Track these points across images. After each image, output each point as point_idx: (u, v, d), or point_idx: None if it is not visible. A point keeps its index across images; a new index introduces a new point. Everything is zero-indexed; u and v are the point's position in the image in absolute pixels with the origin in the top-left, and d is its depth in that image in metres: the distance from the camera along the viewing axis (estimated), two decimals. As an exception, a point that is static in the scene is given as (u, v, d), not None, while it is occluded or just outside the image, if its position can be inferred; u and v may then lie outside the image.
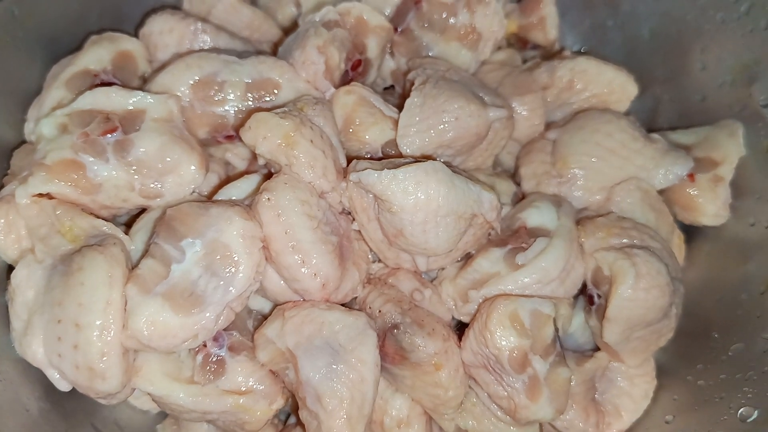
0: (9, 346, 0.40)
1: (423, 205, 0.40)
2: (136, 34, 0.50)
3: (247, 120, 0.43)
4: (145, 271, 0.39)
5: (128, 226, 0.45)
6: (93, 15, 0.51)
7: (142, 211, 0.45)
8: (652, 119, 0.55)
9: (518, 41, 0.57)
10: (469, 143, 0.47)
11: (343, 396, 0.39)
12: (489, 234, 0.46)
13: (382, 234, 0.44)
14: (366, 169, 0.41)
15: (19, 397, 0.38)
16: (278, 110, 0.43)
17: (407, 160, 0.43)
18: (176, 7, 0.55)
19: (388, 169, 0.41)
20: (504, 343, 0.40)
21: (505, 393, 0.42)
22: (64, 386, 0.40)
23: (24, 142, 0.46)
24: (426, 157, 0.45)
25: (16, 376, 0.39)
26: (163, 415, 0.48)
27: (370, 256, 0.46)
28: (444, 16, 0.51)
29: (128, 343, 0.38)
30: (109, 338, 0.37)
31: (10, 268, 0.42)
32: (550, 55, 0.56)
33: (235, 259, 0.39)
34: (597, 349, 0.47)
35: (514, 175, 0.53)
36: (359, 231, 0.45)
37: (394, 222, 0.42)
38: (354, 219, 0.45)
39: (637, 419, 0.46)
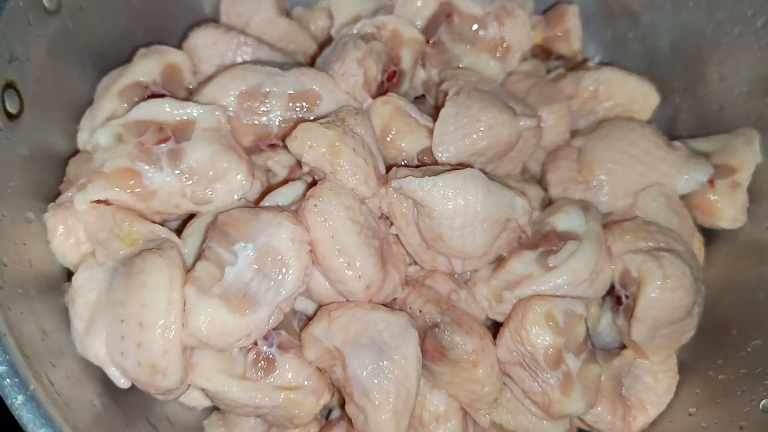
0: (71, 345, 0.42)
1: (462, 211, 0.43)
2: (179, 48, 0.52)
3: (292, 130, 0.45)
4: (202, 273, 0.41)
5: (177, 231, 0.47)
6: (138, 30, 0.53)
7: (190, 216, 0.47)
8: (671, 128, 0.58)
9: (542, 52, 0.60)
10: (500, 151, 0.49)
11: (389, 391, 0.41)
12: (520, 237, 0.48)
13: (420, 238, 0.46)
14: (407, 176, 0.44)
15: (85, 393, 0.40)
16: (322, 120, 0.45)
17: (444, 168, 0.45)
18: (214, 20, 0.57)
19: (428, 176, 0.43)
20: (540, 340, 0.43)
21: (540, 388, 0.44)
22: (123, 383, 0.42)
23: (77, 151, 0.49)
24: (462, 165, 0.47)
25: (80, 373, 0.41)
26: (208, 411, 0.50)
27: (407, 259, 0.49)
28: (474, 28, 0.53)
29: (188, 341, 0.40)
30: (171, 336, 0.39)
31: (69, 273, 0.44)
32: (574, 65, 0.58)
33: (286, 261, 0.42)
34: (623, 347, 0.50)
35: (540, 181, 0.55)
36: (396, 235, 0.48)
37: (433, 227, 0.44)
38: (392, 224, 0.47)
39: (661, 412, 0.48)
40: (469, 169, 0.43)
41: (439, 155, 0.47)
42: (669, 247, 0.47)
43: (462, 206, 0.42)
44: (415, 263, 0.50)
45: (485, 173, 0.45)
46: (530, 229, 0.47)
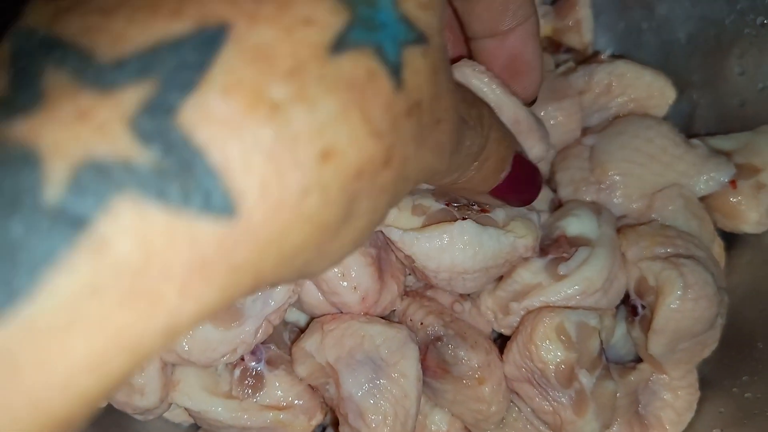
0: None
1: (447, 267, 0.39)
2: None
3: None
4: (183, 283, 0.38)
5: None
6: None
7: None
8: (689, 125, 0.54)
9: (551, 44, 0.56)
10: None
11: (387, 412, 0.38)
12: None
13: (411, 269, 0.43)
14: (389, 226, 0.40)
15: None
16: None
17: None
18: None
19: (412, 231, 0.39)
20: (551, 356, 0.39)
21: (551, 408, 0.41)
22: (99, 402, 0.39)
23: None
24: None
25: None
26: (194, 429, 0.47)
27: (406, 269, 0.46)
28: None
29: (167, 357, 0.37)
30: (148, 354, 0.36)
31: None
32: (585, 58, 0.55)
33: (274, 270, 0.39)
34: (638, 360, 0.46)
35: (549, 182, 0.52)
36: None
37: (421, 270, 0.41)
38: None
39: (682, 432, 0.45)
40: (458, 222, 0.39)
41: None
42: (689, 253, 0.44)
43: (447, 264, 0.39)
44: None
45: (482, 214, 0.41)
46: (537, 253, 0.43)
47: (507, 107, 0.39)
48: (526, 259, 0.44)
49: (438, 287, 0.42)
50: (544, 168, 0.52)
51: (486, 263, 0.39)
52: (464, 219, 0.39)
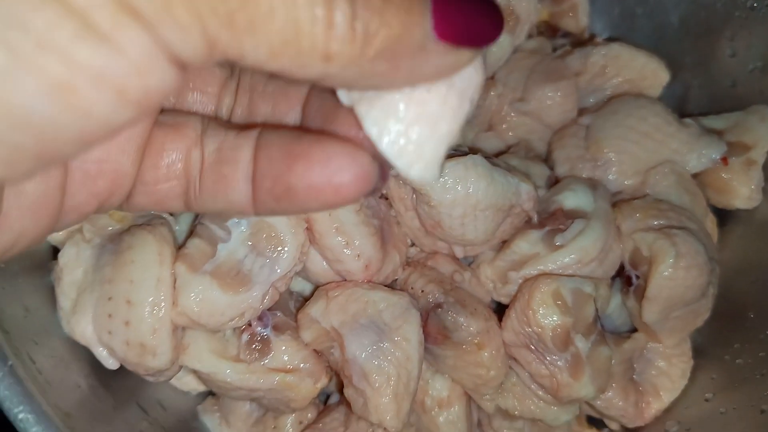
0: (57, 325, 0.40)
1: (462, 201, 0.41)
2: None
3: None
4: (193, 250, 0.39)
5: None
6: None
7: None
8: (682, 105, 0.56)
9: (548, 29, 0.58)
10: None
11: (390, 373, 0.39)
12: (526, 222, 0.46)
13: (419, 223, 0.44)
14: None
15: (70, 374, 0.38)
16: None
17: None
18: None
19: None
20: (547, 321, 0.41)
21: (548, 372, 0.42)
22: (112, 364, 0.40)
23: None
24: (472, 150, 0.44)
25: (66, 353, 0.39)
26: (203, 397, 0.49)
27: (408, 240, 0.47)
28: None
29: (178, 319, 0.38)
30: (160, 315, 0.38)
31: (55, 251, 0.43)
32: (580, 42, 0.56)
33: (281, 238, 0.40)
34: (633, 330, 0.48)
35: (546, 160, 0.53)
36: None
37: (431, 214, 0.42)
38: (392, 206, 0.45)
39: (675, 398, 0.46)
40: (470, 156, 0.41)
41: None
42: (682, 225, 0.45)
43: (462, 196, 0.40)
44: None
45: (489, 158, 0.43)
46: (536, 214, 0.45)
47: None
48: (524, 230, 0.45)
49: (447, 237, 0.43)
50: (541, 147, 0.54)
51: (496, 200, 0.41)
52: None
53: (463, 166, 0.40)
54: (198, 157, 0.25)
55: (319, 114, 0.25)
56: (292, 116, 0.27)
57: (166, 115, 0.26)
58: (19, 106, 0.15)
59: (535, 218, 0.44)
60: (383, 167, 0.22)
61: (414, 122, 0.21)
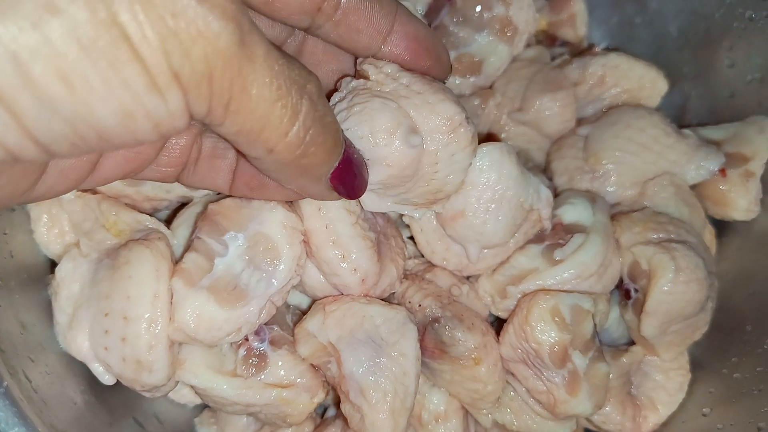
0: (53, 340, 0.40)
1: (493, 184, 0.41)
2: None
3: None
4: (190, 265, 0.39)
5: (168, 222, 0.45)
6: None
7: (181, 206, 0.45)
8: (681, 115, 0.56)
9: (547, 38, 0.58)
10: (400, 174, 0.37)
11: (386, 389, 0.39)
12: (537, 232, 0.46)
13: (437, 220, 0.44)
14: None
15: (66, 390, 0.38)
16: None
17: None
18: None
19: None
20: (545, 337, 0.41)
21: (545, 387, 0.42)
22: (108, 380, 0.40)
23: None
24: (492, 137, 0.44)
25: (62, 369, 0.39)
26: (200, 409, 0.49)
27: (406, 252, 0.47)
28: (478, 10, 0.51)
29: (175, 335, 0.38)
30: (156, 331, 0.37)
31: (53, 264, 0.43)
32: (579, 51, 0.56)
33: (277, 250, 0.40)
34: (631, 343, 0.48)
35: (545, 171, 0.53)
36: (396, 228, 0.46)
37: (458, 201, 0.41)
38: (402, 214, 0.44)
39: (673, 412, 0.46)
40: (503, 143, 0.42)
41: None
42: (681, 238, 0.45)
43: (494, 180, 0.41)
44: (415, 257, 0.48)
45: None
46: (549, 223, 0.45)
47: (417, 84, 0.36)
48: (524, 244, 0.45)
49: (467, 232, 0.42)
50: (539, 157, 0.54)
51: (520, 194, 0.41)
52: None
53: (499, 151, 0.40)
54: (196, 150, 0.35)
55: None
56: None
57: None
58: (97, 115, 0.21)
59: (549, 227, 0.44)
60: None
61: None
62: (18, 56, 0.19)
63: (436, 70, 0.38)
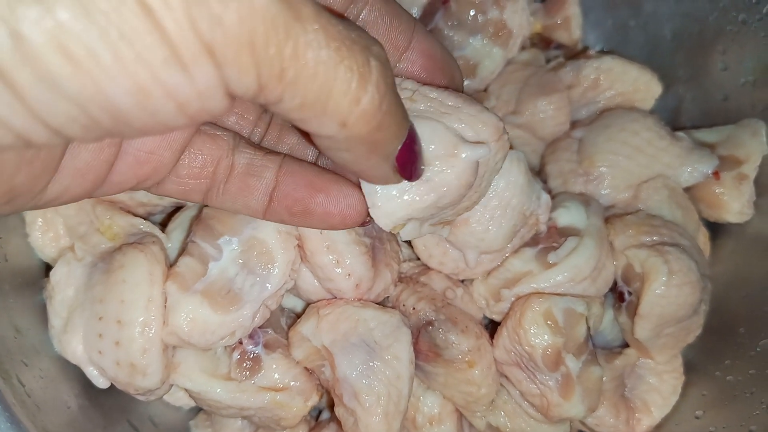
0: (48, 344, 0.40)
1: (501, 191, 0.41)
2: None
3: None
4: (184, 269, 0.39)
5: (163, 225, 0.45)
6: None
7: (176, 210, 0.45)
8: (675, 118, 0.56)
9: (541, 41, 0.58)
10: (458, 196, 0.35)
11: (380, 393, 0.39)
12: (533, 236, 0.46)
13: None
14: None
15: (59, 394, 0.38)
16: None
17: None
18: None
19: None
20: (538, 340, 0.41)
21: (538, 391, 0.42)
22: (102, 383, 0.40)
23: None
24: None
25: (56, 373, 0.39)
26: (195, 412, 0.49)
27: (401, 256, 0.47)
28: (473, 14, 0.51)
29: (169, 339, 0.38)
30: (150, 334, 0.37)
31: (47, 268, 0.43)
32: (574, 54, 0.56)
33: (272, 254, 0.40)
34: (625, 345, 0.48)
35: (539, 174, 0.53)
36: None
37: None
38: None
39: (666, 415, 0.46)
40: (517, 151, 0.42)
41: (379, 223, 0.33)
42: (674, 241, 0.45)
43: (502, 187, 0.41)
44: (410, 260, 0.48)
45: None
46: (545, 226, 0.45)
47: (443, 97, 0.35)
48: (517, 251, 0.45)
49: (468, 238, 0.42)
50: (534, 160, 0.54)
51: (523, 201, 0.41)
52: None
53: (509, 159, 0.40)
54: (227, 166, 0.31)
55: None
56: (312, 153, 0.34)
57: (207, 125, 0.31)
58: (108, 94, 0.18)
59: (544, 230, 0.44)
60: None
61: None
62: (17, 29, 0.17)
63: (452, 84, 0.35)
